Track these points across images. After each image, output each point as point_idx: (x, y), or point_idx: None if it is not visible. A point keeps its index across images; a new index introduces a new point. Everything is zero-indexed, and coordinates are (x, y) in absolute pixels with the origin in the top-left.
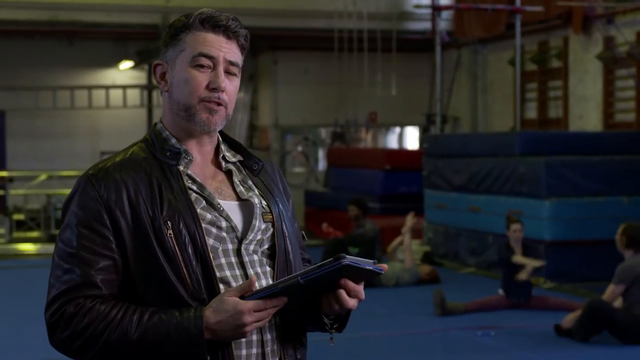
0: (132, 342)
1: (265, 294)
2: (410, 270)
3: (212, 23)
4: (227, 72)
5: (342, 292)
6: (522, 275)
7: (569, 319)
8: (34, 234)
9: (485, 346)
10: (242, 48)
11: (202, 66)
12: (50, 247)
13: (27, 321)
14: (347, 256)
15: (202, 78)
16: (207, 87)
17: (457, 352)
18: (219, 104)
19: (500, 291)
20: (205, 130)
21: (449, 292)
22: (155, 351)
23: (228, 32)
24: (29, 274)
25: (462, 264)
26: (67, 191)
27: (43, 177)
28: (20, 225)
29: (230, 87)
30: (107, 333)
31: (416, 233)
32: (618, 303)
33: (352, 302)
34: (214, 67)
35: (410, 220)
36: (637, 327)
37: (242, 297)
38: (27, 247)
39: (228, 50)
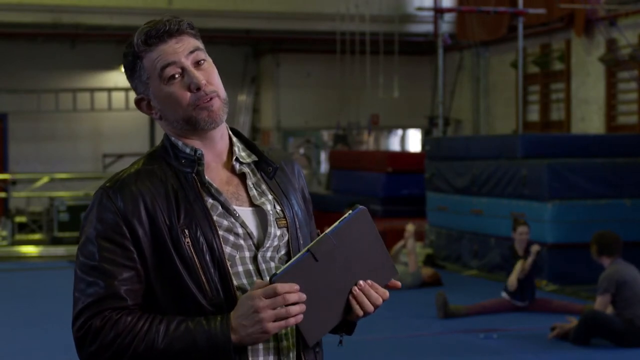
0: (159, 353)
1: (295, 261)
2: (412, 273)
3: (155, 36)
4: (197, 65)
5: (361, 296)
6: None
7: (562, 329)
8: (36, 236)
9: (487, 349)
10: (193, 36)
11: (172, 77)
12: (52, 250)
13: (28, 324)
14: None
15: (180, 88)
16: (190, 90)
17: (459, 354)
18: (210, 99)
19: (504, 294)
20: (212, 126)
21: (452, 294)
22: None
23: (172, 33)
24: (30, 276)
25: (464, 266)
26: (70, 194)
27: (45, 179)
28: (22, 227)
29: (208, 75)
30: (135, 345)
31: (418, 235)
32: (609, 311)
33: (371, 307)
34: (183, 71)
35: (411, 226)
36: (631, 331)
37: (272, 275)
38: (29, 250)
39: (182, 46)
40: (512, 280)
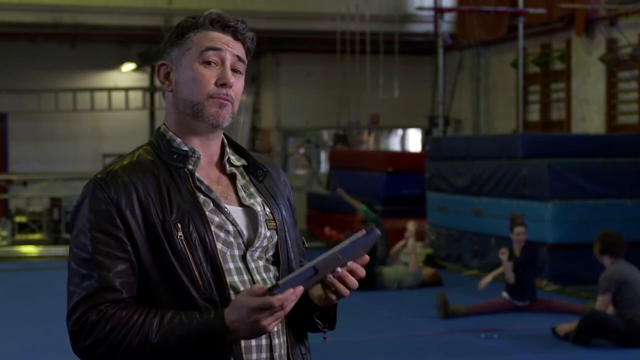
0: (153, 346)
1: (299, 276)
2: (413, 273)
3: (222, 23)
4: (234, 70)
5: (337, 283)
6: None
7: (563, 328)
8: (36, 236)
9: (488, 349)
10: (247, 51)
11: (209, 63)
12: (52, 250)
13: (28, 324)
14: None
15: (210, 74)
16: (216, 83)
17: (460, 354)
18: (227, 100)
19: (504, 294)
20: (213, 124)
21: (452, 294)
22: (177, 354)
23: (236, 33)
24: (30, 276)
25: (464, 266)
26: (70, 193)
27: (54, 177)
28: (22, 227)
29: (237, 84)
30: (129, 338)
31: (419, 235)
32: (610, 311)
33: (347, 292)
34: (222, 63)
35: (412, 225)
36: (632, 331)
37: (274, 286)
38: (29, 250)
39: (234, 48)
40: (484, 280)
